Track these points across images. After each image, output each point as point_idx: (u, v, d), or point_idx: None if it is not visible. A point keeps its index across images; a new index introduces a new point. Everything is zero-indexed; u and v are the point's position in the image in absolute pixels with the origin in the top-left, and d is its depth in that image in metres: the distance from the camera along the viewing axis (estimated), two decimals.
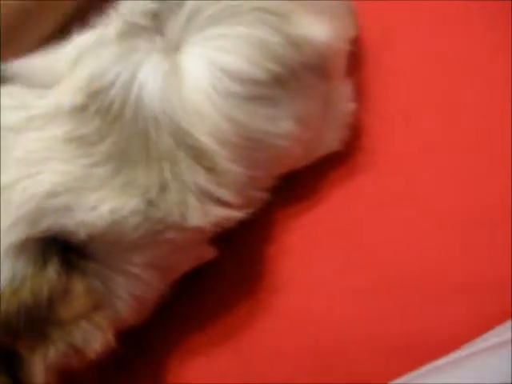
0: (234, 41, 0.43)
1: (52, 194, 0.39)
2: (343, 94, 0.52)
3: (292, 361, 0.51)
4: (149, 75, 0.41)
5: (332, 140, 0.52)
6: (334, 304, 0.51)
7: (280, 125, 0.45)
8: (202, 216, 0.42)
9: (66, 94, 0.40)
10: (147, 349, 0.51)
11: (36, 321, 0.40)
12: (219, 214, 0.43)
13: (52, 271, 0.39)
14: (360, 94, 0.55)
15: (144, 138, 0.41)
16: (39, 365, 0.41)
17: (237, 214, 0.45)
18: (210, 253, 0.48)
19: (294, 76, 0.45)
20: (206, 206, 0.42)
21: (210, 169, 0.42)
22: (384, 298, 0.50)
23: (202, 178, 0.42)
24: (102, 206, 0.39)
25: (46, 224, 0.39)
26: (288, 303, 0.52)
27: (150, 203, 0.41)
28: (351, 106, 0.52)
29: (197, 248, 0.47)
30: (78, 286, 0.40)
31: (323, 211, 0.53)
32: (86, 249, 0.40)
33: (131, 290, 0.44)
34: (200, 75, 0.43)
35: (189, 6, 0.43)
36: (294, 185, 0.53)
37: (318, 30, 0.44)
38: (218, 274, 0.52)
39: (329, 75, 0.48)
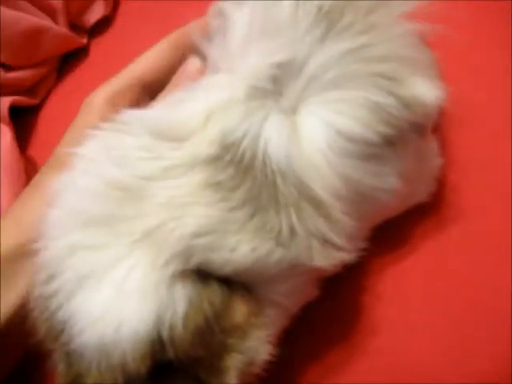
0: (350, 104, 0.46)
1: (198, 235, 0.42)
2: (432, 149, 0.55)
3: None
4: (272, 132, 0.45)
5: (422, 192, 0.55)
6: (427, 347, 0.54)
7: (386, 180, 0.48)
8: (324, 258, 0.46)
9: (201, 145, 0.44)
10: None
11: (210, 342, 0.43)
12: (337, 257, 0.46)
13: (213, 290, 0.43)
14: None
15: (272, 187, 0.44)
16: None
17: (349, 258, 0.48)
18: (315, 292, 0.51)
19: (401, 136, 0.48)
20: (326, 250, 0.46)
21: (327, 217, 0.46)
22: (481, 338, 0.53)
23: (321, 225, 0.45)
24: (242, 246, 0.43)
25: (196, 261, 0.42)
26: (384, 345, 0.55)
27: (283, 245, 0.44)
28: (439, 161, 0.56)
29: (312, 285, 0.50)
30: (238, 299, 0.43)
31: (415, 260, 0.56)
32: (233, 282, 0.44)
33: (274, 317, 0.47)
34: (317, 135, 0.46)
35: (308, 71, 0.46)
36: (385, 235, 0.55)
37: (428, 90, 0.47)
38: (317, 319, 0.55)
39: (426, 132, 0.52)
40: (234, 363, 0.44)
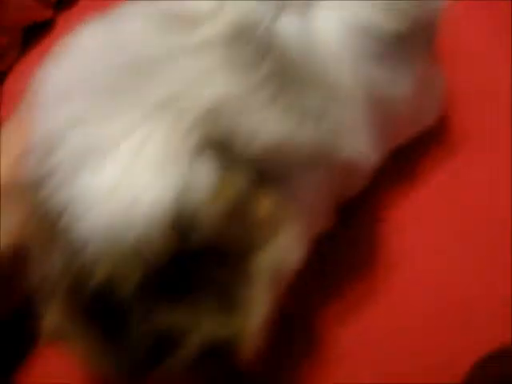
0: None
1: (222, 105, 0.37)
2: (438, 71, 0.53)
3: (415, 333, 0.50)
4: (290, 18, 0.41)
5: (430, 114, 0.53)
6: (451, 270, 0.51)
7: (398, 84, 0.46)
8: (349, 148, 0.42)
9: (217, 27, 0.40)
10: None
11: (235, 236, 0.37)
12: (359, 150, 0.43)
13: (239, 175, 0.37)
14: None
15: (293, 70, 0.40)
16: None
17: (372, 161, 0.44)
18: (332, 220, 0.47)
19: (412, 37, 0.45)
20: (350, 140, 0.42)
21: (346, 107, 0.42)
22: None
23: (342, 113, 0.42)
24: (268, 123, 0.38)
25: (220, 134, 0.37)
26: (404, 276, 0.51)
27: (307, 127, 0.40)
28: (444, 83, 0.53)
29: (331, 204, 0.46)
30: (265, 191, 0.38)
31: (428, 189, 0.54)
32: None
33: (302, 215, 0.41)
34: (332, 28, 0.43)
35: None
36: (396, 168, 0.53)
37: None
38: (335, 254, 0.51)
39: (432, 46, 0.50)
40: (263, 265, 0.38)
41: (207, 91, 0.37)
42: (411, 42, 0.46)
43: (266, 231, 0.38)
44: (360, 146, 0.43)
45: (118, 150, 0.36)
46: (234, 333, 0.38)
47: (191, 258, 0.36)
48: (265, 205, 0.38)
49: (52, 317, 0.38)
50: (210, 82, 0.38)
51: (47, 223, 0.36)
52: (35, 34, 0.71)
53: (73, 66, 0.40)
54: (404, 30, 0.45)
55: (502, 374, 0.43)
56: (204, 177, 0.36)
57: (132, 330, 0.36)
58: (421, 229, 0.53)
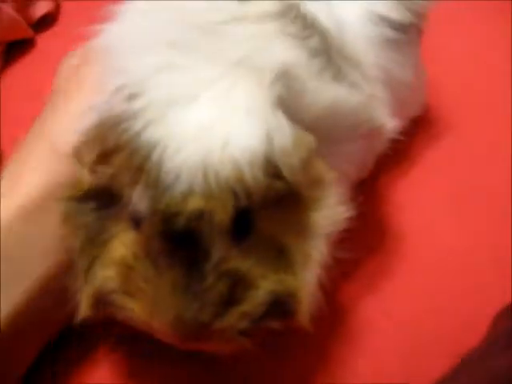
0: None
1: (285, 70, 0.40)
2: (422, 62, 0.57)
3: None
4: (317, 3, 0.45)
5: (420, 101, 0.58)
6: (455, 237, 0.55)
7: (404, 69, 0.50)
8: (381, 119, 0.46)
9: (265, 4, 0.43)
10: None
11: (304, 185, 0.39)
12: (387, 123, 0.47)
13: (304, 133, 0.40)
14: None
15: (335, 48, 0.44)
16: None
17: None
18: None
19: (412, 27, 0.51)
20: (382, 112, 0.46)
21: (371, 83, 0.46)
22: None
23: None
24: (322, 92, 0.42)
25: (288, 92, 0.40)
26: (414, 248, 0.54)
27: (353, 94, 0.43)
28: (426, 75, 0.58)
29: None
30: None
31: (423, 168, 0.58)
32: None
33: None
34: (352, 13, 0.47)
35: None
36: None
37: None
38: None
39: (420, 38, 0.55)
40: (318, 221, 0.41)
41: (275, 55, 0.40)
42: (411, 33, 0.52)
43: (320, 190, 0.41)
44: (386, 117, 0.47)
45: (207, 94, 0.38)
46: (292, 289, 0.40)
47: (261, 209, 0.39)
48: (319, 166, 0.41)
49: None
50: (275, 47, 0.41)
51: (137, 158, 0.37)
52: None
53: (137, 24, 0.42)
54: (407, 21, 0.50)
55: None
56: (284, 127, 0.39)
57: (209, 271, 0.37)
58: (423, 206, 0.57)
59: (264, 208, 0.39)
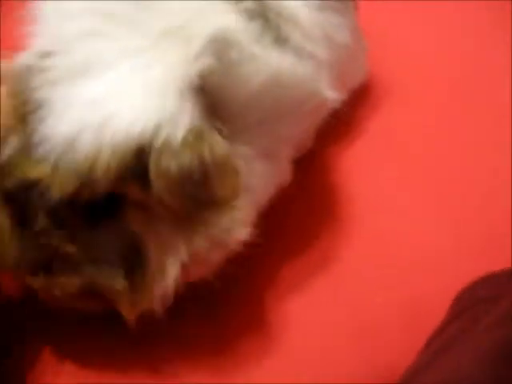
0: None
1: (218, 38, 0.39)
2: (362, 36, 0.57)
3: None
4: None
5: (361, 70, 0.58)
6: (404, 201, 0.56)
7: (342, 31, 0.50)
8: (327, 91, 0.46)
9: None
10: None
11: (194, 190, 0.38)
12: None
13: (217, 138, 0.39)
14: None
15: (272, 12, 0.43)
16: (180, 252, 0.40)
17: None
18: (290, 175, 0.49)
19: None
20: (326, 82, 0.46)
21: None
22: None
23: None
24: (264, 59, 0.41)
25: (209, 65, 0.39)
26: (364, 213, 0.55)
27: (297, 61, 0.43)
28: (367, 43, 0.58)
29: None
30: (233, 163, 0.39)
31: (367, 138, 0.59)
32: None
33: (264, 172, 0.44)
34: None
35: None
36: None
37: None
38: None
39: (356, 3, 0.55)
40: (207, 233, 0.41)
41: (209, 22, 0.40)
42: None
43: (217, 210, 0.40)
44: (330, 89, 0.46)
45: (123, 66, 0.37)
46: (114, 288, 0.41)
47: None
48: (227, 185, 0.40)
49: None
50: (208, 15, 0.40)
51: (24, 110, 0.38)
52: None
53: None
54: None
55: (488, 295, 0.45)
56: (187, 116, 0.38)
57: (28, 237, 0.39)
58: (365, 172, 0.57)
59: (136, 204, 0.39)
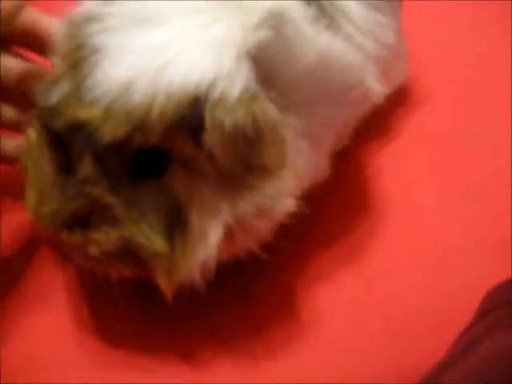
0: None
1: (277, 13, 0.40)
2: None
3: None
4: None
5: (403, 70, 0.59)
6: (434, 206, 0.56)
7: (386, 32, 0.51)
8: (372, 83, 0.47)
9: None
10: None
11: (246, 149, 0.39)
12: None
13: (270, 105, 0.39)
14: None
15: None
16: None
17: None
18: (328, 169, 0.50)
19: None
20: (370, 73, 0.47)
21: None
22: None
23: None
24: (317, 39, 0.42)
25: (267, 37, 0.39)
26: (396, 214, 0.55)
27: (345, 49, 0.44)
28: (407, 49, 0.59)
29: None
30: (282, 131, 0.40)
31: (402, 139, 0.60)
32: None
33: (306, 153, 0.44)
34: None
35: None
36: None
37: None
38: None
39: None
40: (252, 198, 0.40)
41: None
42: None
43: (264, 175, 0.40)
44: (375, 82, 0.47)
45: (181, 21, 0.38)
46: (153, 251, 0.40)
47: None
48: (276, 152, 0.40)
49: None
50: None
51: (78, 55, 0.38)
52: None
53: None
54: None
55: None
56: (243, 77, 0.38)
57: (70, 185, 0.39)
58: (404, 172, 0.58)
59: (182, 164, 0.39)
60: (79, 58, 0.38)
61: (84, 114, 0.37)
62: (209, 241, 0.40)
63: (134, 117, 0.36)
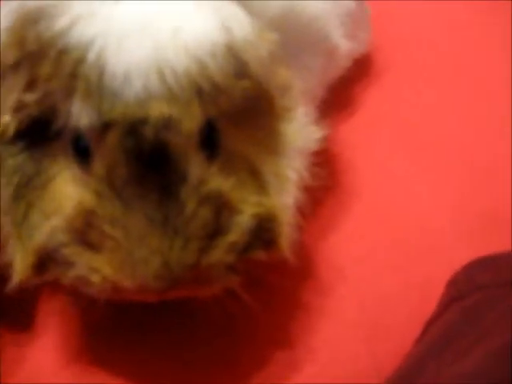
0: None
1: None
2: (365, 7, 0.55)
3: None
4: None
5: (363, 38, 0.55)
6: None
7: None
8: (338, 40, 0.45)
9: None
10: None
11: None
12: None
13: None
14: None
15: None
16: None
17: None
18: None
19: None
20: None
21: None
22: None
23: None
24: None
25: None
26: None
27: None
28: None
29: None
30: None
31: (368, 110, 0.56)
32: None
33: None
34: None
35: None
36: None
37: None
38: None
39: None
40: (292, 134, 0.38)
41: None
42: None
43: (289, 98, 0.37)
44: (341, 39, 0.45)
45: None
46: (273, 212, 0.36)
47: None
48: (284, 71, 0.37)
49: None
50: None
51: (68, 62, 0.31)
52: None
53: None
54: None
55: (488, 282, 0.41)
56: (242, 19, 0.35)
57: (189, 196, 0.32)
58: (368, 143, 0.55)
59: (231, 122, 0.35)
60: (72, 65, 0.31)
61: (155, 110, 0.31)
62: (289, 180, 0.38)
63: (197, 89, 0.32)
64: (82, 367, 0.42)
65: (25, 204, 0.35)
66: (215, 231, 0.33)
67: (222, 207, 0.34)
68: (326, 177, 0.51)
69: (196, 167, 0.33)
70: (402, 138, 0.56)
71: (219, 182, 0.34)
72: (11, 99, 0.33)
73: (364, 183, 0.52)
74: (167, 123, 0.31)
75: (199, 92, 0.32)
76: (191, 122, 0.32)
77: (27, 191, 0.35)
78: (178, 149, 0.32)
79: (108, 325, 0.41)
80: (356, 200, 0.52)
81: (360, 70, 0.57)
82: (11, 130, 0.34)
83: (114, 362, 0.42)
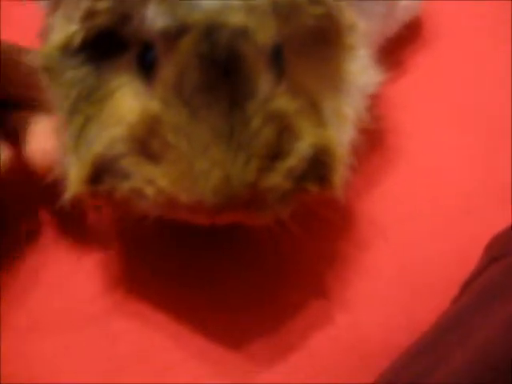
0: None
1: None
2: None
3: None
4: None
5: (419, 2, 0.55)
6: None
7: None
8: None
9: None
10: None
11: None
12: None
13: None
14: None
15: None
16: None
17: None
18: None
19: None
20: None
21: None
22: None
23: None
24: None
25: None
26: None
27: None
28: None
29: None
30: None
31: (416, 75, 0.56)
32: None
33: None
34: None
35: None
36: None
37: None
38: None
39: None
40: (355, 73, 0.37)
41: None
42: None
43: (353, 37, 0.37)
44: None
45: None
46: (330, 145, 0.35)
47: None
48: (348, 16, 0.37)
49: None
50: None
51: None
52: None
53: None
54: None
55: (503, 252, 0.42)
56: None
57: (255, 112, 0.32)
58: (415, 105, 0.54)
59: (297, 53, 0.35)
60: None
61: (233, 18, 0.31)
62: (347, 118, 0.38)
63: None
64: (121, 295, 0.42)
65: (83, 117, 0.34)
66: (276, 154, 0.33)
67: (284, 129, 0.33)
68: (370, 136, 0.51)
69: (265, 83, 0.32)
70: (448, 103, 0.55)
71: (285, 102, 0.33)
72: (81, 8, 0.33)
73: (409, 144, 0.52)
74: (243, 32, 0.31)
75: (276, 7, 0.32)
76: (266, 34, 0.32)
77: (86, 104, 0.34)
78: (251, 60, 0.32)
79: (151, 252, 0.41)
80: (400, 161, 0.51)
81: (410, 35, 0.56)
82: (77, 41, 0.34)
83: (155, 291, 0.42)
